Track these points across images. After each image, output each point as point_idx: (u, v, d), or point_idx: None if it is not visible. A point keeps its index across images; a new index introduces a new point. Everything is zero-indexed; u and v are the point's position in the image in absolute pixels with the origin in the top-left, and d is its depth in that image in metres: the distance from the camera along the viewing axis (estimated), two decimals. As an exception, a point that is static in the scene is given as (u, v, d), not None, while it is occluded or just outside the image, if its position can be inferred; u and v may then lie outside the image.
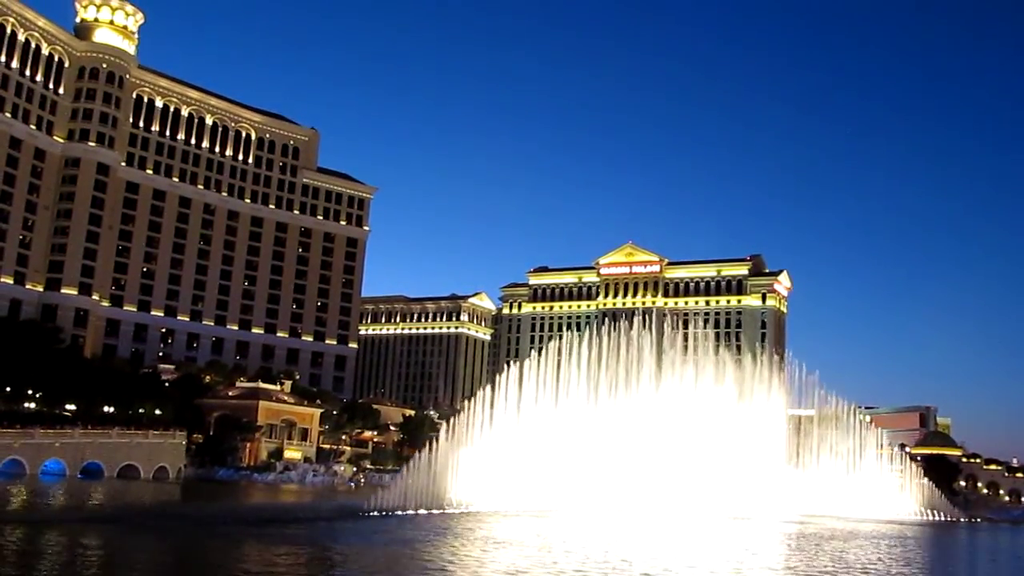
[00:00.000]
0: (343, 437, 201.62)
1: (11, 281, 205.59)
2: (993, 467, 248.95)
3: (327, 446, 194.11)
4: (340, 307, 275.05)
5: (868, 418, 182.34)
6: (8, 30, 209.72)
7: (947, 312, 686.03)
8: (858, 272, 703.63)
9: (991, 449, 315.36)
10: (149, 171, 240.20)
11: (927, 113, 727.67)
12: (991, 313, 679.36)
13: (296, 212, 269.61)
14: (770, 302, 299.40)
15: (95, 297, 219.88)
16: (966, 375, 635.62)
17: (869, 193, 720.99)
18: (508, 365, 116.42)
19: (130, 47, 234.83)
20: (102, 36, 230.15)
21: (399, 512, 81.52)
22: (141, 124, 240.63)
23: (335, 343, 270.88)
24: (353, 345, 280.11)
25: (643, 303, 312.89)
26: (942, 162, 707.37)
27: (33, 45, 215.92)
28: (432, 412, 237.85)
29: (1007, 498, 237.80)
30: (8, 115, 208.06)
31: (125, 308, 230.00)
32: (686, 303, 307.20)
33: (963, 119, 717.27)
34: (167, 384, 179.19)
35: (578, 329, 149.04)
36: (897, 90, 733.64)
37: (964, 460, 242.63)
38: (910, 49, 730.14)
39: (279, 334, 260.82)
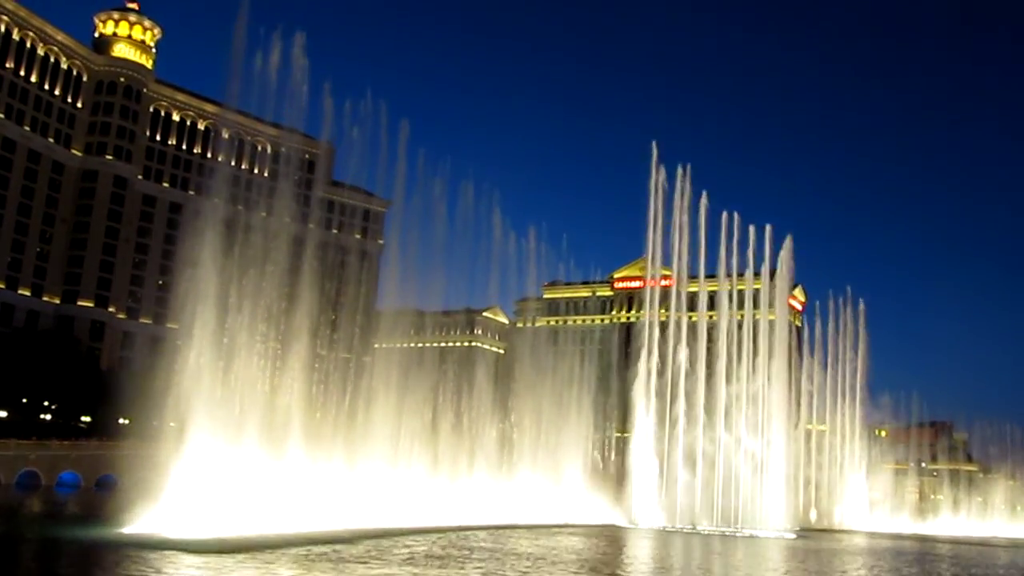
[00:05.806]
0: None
1: (28, 293, 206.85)
2: (1012, 483, 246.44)
3: None
4: (355, 320, 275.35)
5: (884, 433, 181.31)
6: (28, 45, 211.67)
7: (964, 326, 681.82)
8: (872, 287, 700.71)
9: (1008, 466, 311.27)
10: (166, 184, 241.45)
11: (942, 123, 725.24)
12: (1010, 328, 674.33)
13: (311, 226, 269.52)
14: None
15: (111, 309, 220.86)
16: (983, 390, 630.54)
17: (884, 207, 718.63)
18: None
19: (147, 61, 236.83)
20: (120, 51, 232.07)
21: None
22: (158, 138, 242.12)
23: (350, 357, 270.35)
24: (367, 359, 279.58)
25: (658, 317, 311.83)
26: (960, 175, 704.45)
27: (52, 59, 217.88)
28: None
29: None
30: (27, 128, 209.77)
31: (141, 320, 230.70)
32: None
33: (979, 130, 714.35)
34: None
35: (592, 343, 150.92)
36: (914, 97, 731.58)
37: (981, 476, 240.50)
38: (931, 57, 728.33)
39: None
